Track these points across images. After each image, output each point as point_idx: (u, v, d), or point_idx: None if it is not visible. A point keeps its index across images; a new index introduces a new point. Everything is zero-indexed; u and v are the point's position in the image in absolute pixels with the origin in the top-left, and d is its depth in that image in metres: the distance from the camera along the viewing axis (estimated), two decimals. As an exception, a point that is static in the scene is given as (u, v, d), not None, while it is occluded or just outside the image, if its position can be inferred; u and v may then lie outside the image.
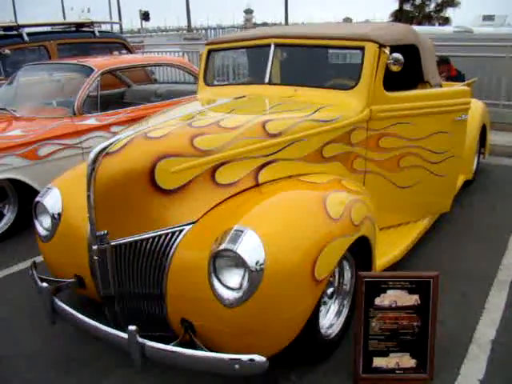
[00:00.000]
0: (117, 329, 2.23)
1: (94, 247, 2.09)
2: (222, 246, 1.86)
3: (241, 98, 2.96)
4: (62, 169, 3.87)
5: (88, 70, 4.39)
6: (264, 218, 2.01)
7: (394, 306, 2.16)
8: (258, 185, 2.34)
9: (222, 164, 2.24)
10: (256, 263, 1.82)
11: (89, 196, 2.04)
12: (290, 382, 2.22)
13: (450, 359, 2.34)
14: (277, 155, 2.43)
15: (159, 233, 2.08)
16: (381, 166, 3.10)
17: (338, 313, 2.43)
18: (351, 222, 2.19)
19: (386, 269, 2.80)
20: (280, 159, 2.44)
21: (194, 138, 2.21)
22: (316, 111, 2.68)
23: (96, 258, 2.11)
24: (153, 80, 6.99)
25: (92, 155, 2.04)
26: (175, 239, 2.07)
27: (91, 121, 4.26)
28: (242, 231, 1.88)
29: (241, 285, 1.86)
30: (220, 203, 2.20)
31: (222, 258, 1.89)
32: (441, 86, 3.92)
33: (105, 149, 2.05)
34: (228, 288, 1.87)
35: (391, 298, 2.16)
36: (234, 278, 1.88)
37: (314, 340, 2.18)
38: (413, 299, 2.16)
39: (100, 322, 2.10)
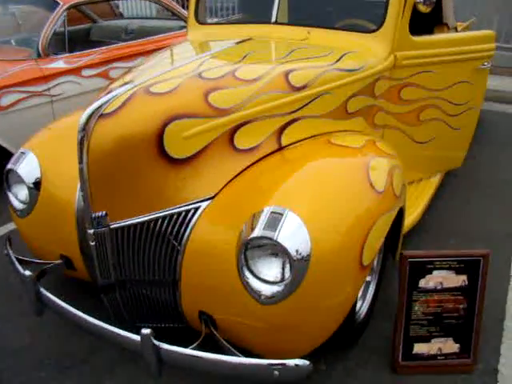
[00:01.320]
0: (119, 321, 1.90)
1: (90, 231, 1.70)
2: (258, 233, 1.52)
3: (246, 41, 2.51)
4: (30, 121, 3.40)
5: (52, 3, 3.75)
6: (301, 194, 1.66)
7: (439, 288, 1.91)
8: (280, 148, 1.97)
9: (242, 125, 1.85)
10: (300, 252, 1.50)
11: (81, 169, 1.63)
12: (321, 371, 1.97)
13: (486, 338, 2.14)
14: (301, 112, 2.05)
15: (170, 211, 1.72)
16: (401, 119, 2.78)
17: (365, 291, 2.17)
18: (394, 193, 1.88)
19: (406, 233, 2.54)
20: (304, 117, 2.07)
21: (208, 93, 1.79)
22: (340, 59, 2.28)
23: (93, 243, 1.73)
24: (118, 15, 6.26)
25: (83, 118, 1.61)
26: (190, 219, 1.71)
27: (59, 63, 3.68)
28: (280, 214, 1.54)
29: (282, 277, 1.54)
30: (240, 173, 1.83)
31: (256, 248, 1.55)
32: (456, 28, 3.55)
33: (98, 109, 1.62)
34: (265, 282, 1.55)
35: (437, 279, 1.90)
36: (272, 269, 1.55)
37: (350, 326, 1.92)
38: (460, 280, 1.91)
39: (99, 316, 1.75)
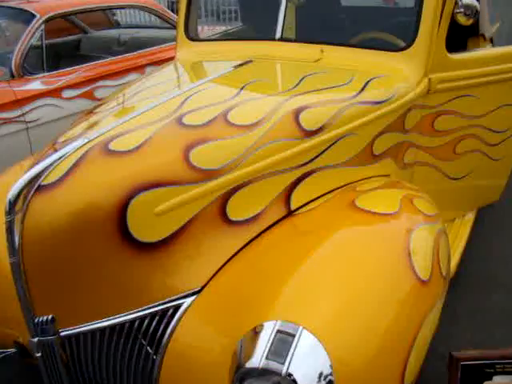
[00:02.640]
0: None
1: (34, 340, 1.25)
2: (259, 363, 1.06)
3: (246, 64, 2.04)
4: (3, 152, 2.98)
5: (28, 16, 3.31)
6: (317, 295, 1.19)
7: (503, 398, 1.43)
8: (290, 213, 1.51)
9: (237, 189, 1.39)
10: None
11: (14, 265, 1.18)
12: None
13: None
14: (315, 163, 1.59)
15: (141, 313, 1.27)
16: (434, 154, 2.30)
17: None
18: (441, 275, 1.40)
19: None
20: (319, 168, 1.61)
21: (190, 149, 1.33)
22: (364, 88, 1.80)
23: (38, 354, 1.27)
24: (114, 23, 5.81)
25: (12, 194, 1.15)
26: (169, 322, 1.26)
27: (35, 84, 3.23)
28: (290, 334, 1.07)
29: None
30: (237, 253, 1.37)
31: (256, 377, 1.08)
32: (492, 40, 3.06)
33: (35, 179, 1.17)
34: None
35: (500, 388, 1.43)
36: None
37: None
38: (529, 387, 1.44)
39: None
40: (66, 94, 3.35)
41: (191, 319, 1.25)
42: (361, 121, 1.70)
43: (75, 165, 1.20)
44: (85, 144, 1.26)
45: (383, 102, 1.80)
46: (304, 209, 1.54)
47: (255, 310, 1.18)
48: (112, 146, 1.27)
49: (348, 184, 1.72)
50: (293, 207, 1.52)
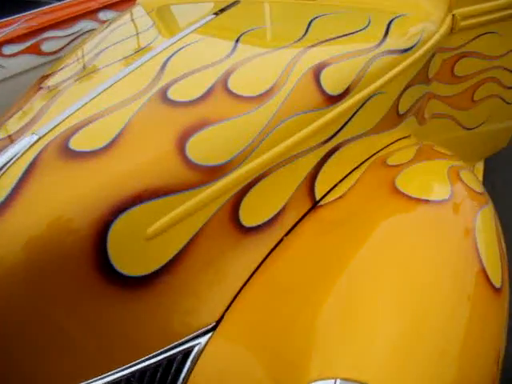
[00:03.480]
0: None
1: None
2: None
3: (233, 6, 1.62)
4: None
5: None
6: (378, 333, 0.88)
7: None
8: (314, 205, 1.18)
9: (250, 186, 1.04)
10: None
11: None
12: None
13: None
14: (340, 136, 1.25)
15: (140, 365, 0.94)
16: (451, 103, 1.99)
17: None
18: (508, 277, 1.12)
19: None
20: (345, 142, 1.27)
21: (184, 139, 0.96)
22: (387, 33, 1.43)
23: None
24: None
25: None
26: (176, 375, 0.95)
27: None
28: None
29: None
30: (256, 270, 1.04)
31: None
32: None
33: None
34: None
35: None
36: None
37: None
38: None
39: None
40: (7, 50, 2.82)
41: (206, 367, 0.94)
42: (389, 75, 1.36)
43: (25, 177, 0.83)
44: (34, 143, 0.88)
45: (410, 48, 1.45)
46: (331, 196, 1.21)
47: (292, 355, 0.88)
48: (73, 145, 0.89)
49: (373, 155, 1.40)
50: (318, 197, 1.19)
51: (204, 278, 0.98)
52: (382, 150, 1.45)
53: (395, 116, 1.49)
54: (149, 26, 1.52)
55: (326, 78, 1.18)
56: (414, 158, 1.37)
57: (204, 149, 0.95)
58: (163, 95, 1.03)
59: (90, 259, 0.84)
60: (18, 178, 0.83)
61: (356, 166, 1.33)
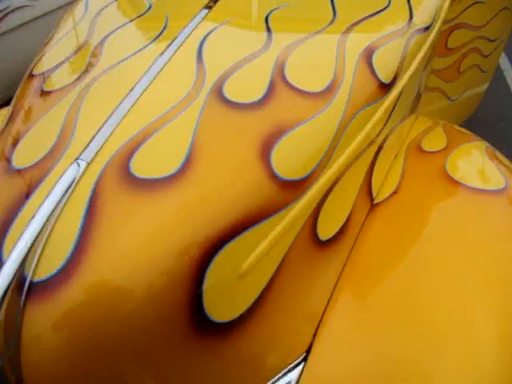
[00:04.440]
0: None
1: None
2: None
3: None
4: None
5: None
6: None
7: None
8: (372, 204, 1.10)
9: (325, 197, 0.92)
10: None
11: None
12: None
13: None
14: (389, 125, 1.16)
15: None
16: (441, 76, 1.96)
17: None
18: None
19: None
20: (391, 131, 1.18)
21: (266, 151, 0.81)
22: (411, 10, 1.34)
23: None
24: None
25: None
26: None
27: None
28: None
29: None
30: (335, 286, 0.94)
31: None
32: None
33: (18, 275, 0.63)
34: None
35: None
36: None
37: None
38: None
39: None
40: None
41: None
42: (420, 56, 1.28)
43: (89, 219, 0.65)
44: (84, 172, 0.70)
45: (431, 25, 1.37)
46: (385, 193, 1.12)
47: (394, 372, 0.80)
48: (136, 170, 0.73)
49: (403, 140, 1.33)
50: (374, 194, 1.10)
51: (290, 307, 0.86)
52: (408, 134, 1.38)
53: (418, 97, 1.43)
54: (147, 6, 1.30)
55: (377, 63, 1.08)
56: (448, 142, 1.31)
57: (286, 161, 0.81)
58: (220, 96, 0.87)
59: (183, 311, 0.69)
60: (82, 221, 0.65)
61: (395, 155, 1.25)
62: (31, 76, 1.10)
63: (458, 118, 2.52)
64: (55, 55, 1.14)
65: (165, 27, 1.14)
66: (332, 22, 1.19)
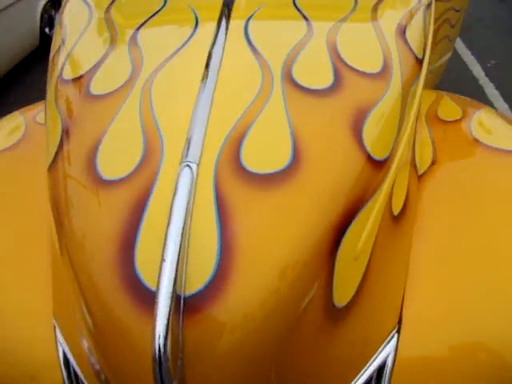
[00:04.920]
0: None
1: None
2: None
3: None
4: None
5: None
6: None
7: None
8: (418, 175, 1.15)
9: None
10: None
11: None
12: None
13: None
14: (419, 99, 1.21)
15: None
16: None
17: None
18: None
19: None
20: (419, 103, 1.24)
21: (358, 130, 0.84)
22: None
23: None
24: None
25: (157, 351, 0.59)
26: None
27: None
28: None
29: None
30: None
31: None
32: None
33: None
34: None
35: None
36: None
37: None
38: None
39: None
40: None
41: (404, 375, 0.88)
42: (431, 28, 1.34)
43: (224, 222, 0.65)
44: (198, 175, 0.69)
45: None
46: (424, 164, 1.17)
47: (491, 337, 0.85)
48: (248, 165, 0.72)
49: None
50: (417, 162, 1.15)
51: (382, 284, 0.89)
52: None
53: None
54: (162, 0, 1.26)
55: (411, 39, 1.12)
56: (463, 111, 1.38)
57: (376, 141, 0.84)
58: (294, 83, 0.87)
59: (318, 302, 0.71)
60: (218, 228, 0.64)
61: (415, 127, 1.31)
62: (65, 81, 1.05)
63: (430, 88, 2.64)
64: (84, 55, 1.09)
65: (197, 19, 1.12)
66: (356, 4, 1.21)
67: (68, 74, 1.06)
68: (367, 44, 1.04)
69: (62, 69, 1.08)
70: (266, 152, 0.75)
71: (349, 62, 0.95)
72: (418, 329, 0.91)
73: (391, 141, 0.88)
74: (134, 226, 0.66)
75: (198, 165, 0.71)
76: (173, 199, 0.66)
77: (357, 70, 0.94)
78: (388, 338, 0.90)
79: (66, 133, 0.91)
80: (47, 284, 0.83)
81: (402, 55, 1.05)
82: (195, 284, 0.61)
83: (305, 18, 1.11)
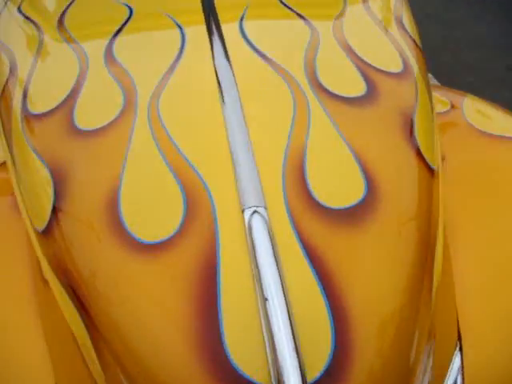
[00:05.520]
0: None
1: None
2: None
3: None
4: None
5: None
6: None
7: None
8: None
9: None
10: None
11: None
12: None
13: None
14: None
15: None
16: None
17: None
18: None
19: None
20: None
21: (412, 139, 0.78)
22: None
23: None
24: None
25: None
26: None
27: None
28: None
29: None
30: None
31: None
32: None
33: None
34: None
35: None
36: None
37: None
38: None
39: None
40: None
41: None
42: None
43: (330, 294, 0.54)
44: (271, 220, 0.57)
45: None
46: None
47: None
48: (320, 198, 0.61)
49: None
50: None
51: (443, 298, 0.83)
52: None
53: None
54: (127, 11, 1.07)
55: (410, 28, 1.06)
56: (450, 101, 1.35)
57: (426, 143, 0.77)
58: (324, 90, 0.76)
59: None
60: (319, 285, 0.53)
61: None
62: (35, 116, 0.86)
63: None
64: (51, 82, 0.91)
65: (180, 27, 0.97)
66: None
67: (37, 108, 0.87)
68: (376, 38, 0.96)
69: (23, 102, 0.89)
70: (335, 181, 0.64)
71: (371, 63, 0.86)
72: (481, 345, 0.87)
73: (434, 143, 0.82)
74: (212, 298, 0.53)
75: (266, 208, 0.58)
76: (255, 258, 0.53)
77: (382, 71, 0.85)
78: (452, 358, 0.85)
79: (60, 183, 0.73)
80: None
81: (409, 48, 0.98)
82: (313, 371, 0.49)
83: (300, 16, 1.00)
